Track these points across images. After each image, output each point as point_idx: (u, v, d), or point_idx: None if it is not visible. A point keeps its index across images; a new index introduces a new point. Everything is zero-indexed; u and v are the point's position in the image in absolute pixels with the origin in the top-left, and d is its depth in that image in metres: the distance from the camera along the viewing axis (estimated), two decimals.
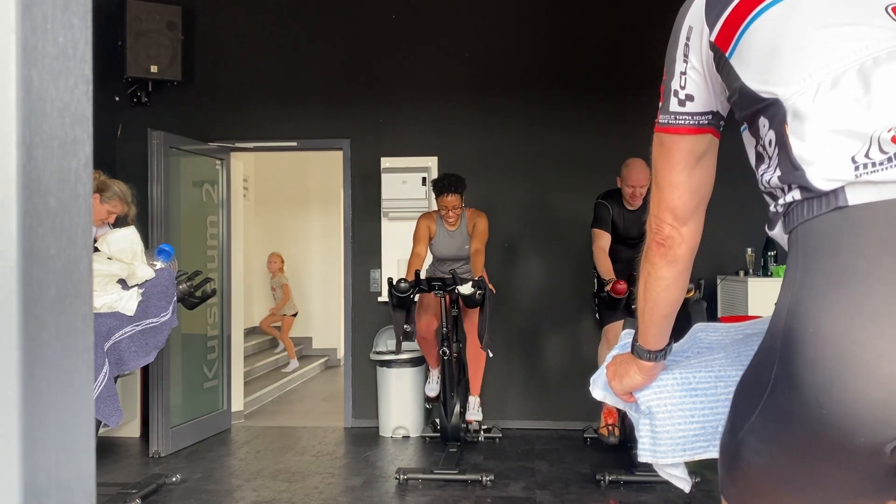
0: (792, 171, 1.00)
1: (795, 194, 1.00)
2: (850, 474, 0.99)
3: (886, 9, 1.00)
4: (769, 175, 1.05)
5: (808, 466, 1.02)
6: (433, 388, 4.92)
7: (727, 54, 1.10)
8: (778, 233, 1.09)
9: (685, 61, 1.17)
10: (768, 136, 1.05)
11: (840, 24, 1.01)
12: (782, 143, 1.01)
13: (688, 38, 1.16)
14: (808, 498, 1.05)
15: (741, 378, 1.13)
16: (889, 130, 0.92)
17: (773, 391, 1.00)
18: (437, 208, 4.75)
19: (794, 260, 1.01)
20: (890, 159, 0.92)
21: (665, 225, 1.22)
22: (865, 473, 0.98)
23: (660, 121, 1.22)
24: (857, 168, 0.93)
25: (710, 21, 1.12)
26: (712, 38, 1.12)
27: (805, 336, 0.95)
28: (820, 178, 0.96)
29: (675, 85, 1.19)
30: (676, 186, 1.20)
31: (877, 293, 0.90)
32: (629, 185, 4.34)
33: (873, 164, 0.93)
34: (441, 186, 4.59)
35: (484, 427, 5.17)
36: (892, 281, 0.90)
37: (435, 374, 4.90)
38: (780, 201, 1.04)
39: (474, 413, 4.85)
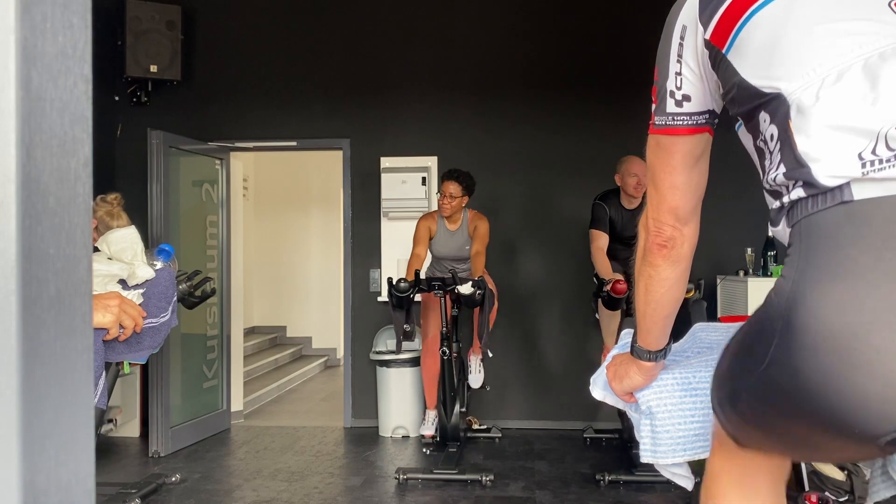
0: (797, 167, 0.99)
1: (800, 191, 1.00)
2: (842, 449, 1.07)
3: (889, 4, 0.99)
4: (774, 172, 1.04)
5: (800, 433, 1.05)
6: (429, 428, 4.87)
7: (724, 50, 1.09)
8: (781, 230, 1.08)
9: (679, 61, 1.17)
10: (769, 130, 1.04)
11: (844, 19, 1.00)
12: (785, 138, 1.01)
13: (682, 38, 1.16)
14: (797, 447, 1.14)
15: (738, 334, 1.13)
16: None
17: (770, 367, 1.01)
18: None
19: (797, 250, 1.00)
20: None
21: (666, 226, 1.21)
22: (856, 451, 1.07)
23: (655, 122, 1.21)
24: (863, 165, 0.93)
25: (704, 19, 1.12)
26: (707, 36, 1.11)
27: (805, 327, 0.95)
28: (825, 175, 0.96)
29: (670, 85, 1.18)
30: (677, 187, 1.20)
31: (878, 289, 0.90)
32: (632, 175, 4.32)
33: (880, 161, 0.92)
34: (446, 174, 4.72)
35: (484, 426, 5.18)
36: (894, 277, 0.90)
37: (431, 415, 4.87)
38: (785, 199, 1.04)
39: (476, 376, 4.86)
